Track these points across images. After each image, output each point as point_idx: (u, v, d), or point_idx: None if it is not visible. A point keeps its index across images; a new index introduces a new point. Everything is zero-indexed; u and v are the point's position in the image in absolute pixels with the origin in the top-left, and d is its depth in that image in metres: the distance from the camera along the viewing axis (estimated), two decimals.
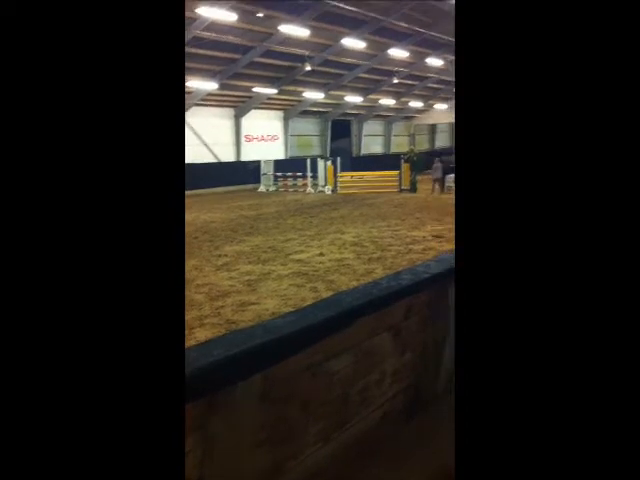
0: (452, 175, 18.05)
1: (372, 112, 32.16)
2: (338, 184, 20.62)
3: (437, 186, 18.80)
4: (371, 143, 33.71)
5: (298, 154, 28.27)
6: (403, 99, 31.28)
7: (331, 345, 1.25)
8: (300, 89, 25.19)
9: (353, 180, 21.23)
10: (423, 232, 10.80)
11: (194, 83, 20.65)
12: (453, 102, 32.76)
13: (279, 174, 22.72)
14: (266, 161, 23.37)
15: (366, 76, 26.42)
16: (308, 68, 22.26)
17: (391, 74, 26.66)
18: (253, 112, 25.96)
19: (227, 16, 16.70)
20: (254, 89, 23.54)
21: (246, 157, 25.67)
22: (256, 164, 23.60)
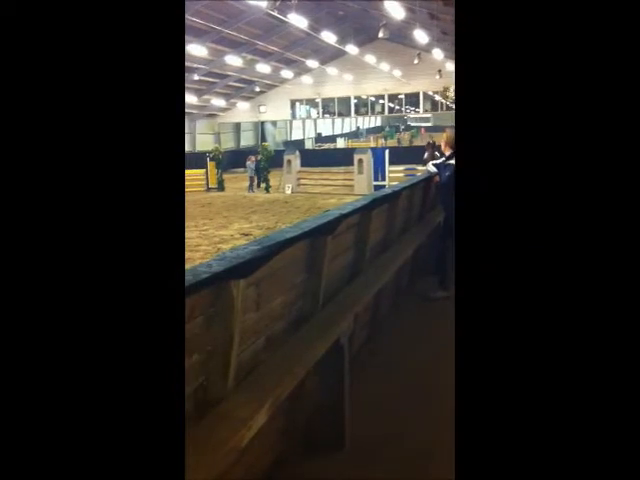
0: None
1: None
2: None
3: (252, 183, 19.12)
4: None
5: None
6: (205, 97, 30.97)
7: None
8: None
9: None
10: (231, 231, 10.85)
11: None
12: (255, 101, 33.52)
13: None
14: None
15: None
16: None
17: (192, 71, 26.20)
18: None
19: None
20: None
21: None
22: None
